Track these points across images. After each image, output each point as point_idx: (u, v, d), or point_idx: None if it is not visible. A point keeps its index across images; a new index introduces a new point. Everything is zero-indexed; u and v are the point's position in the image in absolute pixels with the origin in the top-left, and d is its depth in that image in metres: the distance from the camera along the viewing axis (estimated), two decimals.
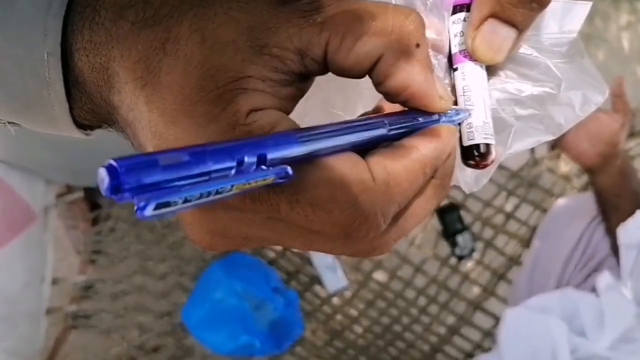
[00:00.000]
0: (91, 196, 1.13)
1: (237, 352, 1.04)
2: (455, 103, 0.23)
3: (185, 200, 0.14)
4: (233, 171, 0.15)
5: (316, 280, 1.13)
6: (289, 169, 0.16)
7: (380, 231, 0.19)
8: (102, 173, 0.13)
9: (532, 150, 1.13)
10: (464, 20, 0.22)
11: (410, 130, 0.21)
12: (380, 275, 1.15)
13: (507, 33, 0.21)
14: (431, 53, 0.23)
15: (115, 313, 1.12)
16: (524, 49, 0.23)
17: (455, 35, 0.22)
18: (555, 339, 0.74)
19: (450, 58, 0.23)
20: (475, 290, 1.14)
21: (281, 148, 0.16)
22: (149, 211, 0.13)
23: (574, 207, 0.97)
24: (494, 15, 0.21)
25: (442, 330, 1.12)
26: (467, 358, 1.10)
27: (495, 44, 0.21)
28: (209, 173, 0.14)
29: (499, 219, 1.14)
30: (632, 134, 1.04)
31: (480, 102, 0.22)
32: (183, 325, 1.07)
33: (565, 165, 1.15)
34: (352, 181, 0.18)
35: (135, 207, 0.13)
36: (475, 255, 1.13)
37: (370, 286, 1.14)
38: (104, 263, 1.15)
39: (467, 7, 0.22)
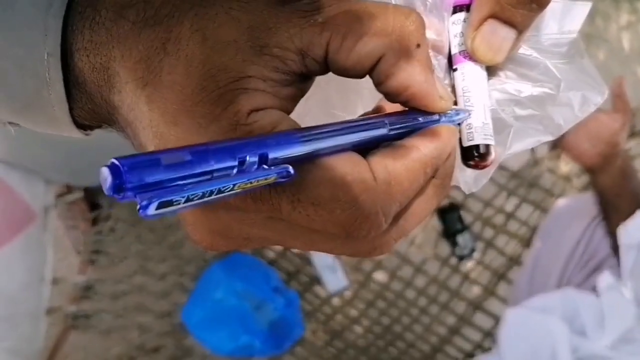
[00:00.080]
0: (91, 196, 1.13)
1: (237, 352, 1.04)
2: (455, 103, 0.23)
3: (188, 199, 0.14)
4: (235, 170, 0.15)
5: (316, 280, 1.13)
6: (291, 169, 0.16)
7: (382, 231, 0.19)
8: (105, 172, 0.13)
9: (533, 150, 1.13)
10: (464, 20, 0.22)
11: (410, 130, 0.21)
12: (380, 276, 1.15)
13: (506, 33, 0.21)
14: (431, 53, 0.23)
15: (115, 313, 1.12)
16: (524, 50, 0.23)
17: (455, 36, 0.22)
18: (555, 339, 0.74)
19: (450, 58, 0.23)
20: (476, 290, 1.14)
21: (282, 147, 0.16)
22: (152, 210, 0.13)
23: (574, 207, 0.97)
24: (493, 16, 0.21)
25: (442, 330, 1.12)
26: (468, 358, 1.10)
27: (494, 44, 0.21)
28: (211, 172, 0.15)
29: (499, 219, 1.14)
30: (632, 134, 1.04)
31: (480, 102, 0.22)
32: (183, 326, 1.07)
33: (566, 166, 1.15)
34: (354, 180, 0.18)
35: (138, 206, 0.13)
36: (476, 255, 1.13)
37: (370, 286, 1.14)
38: (104, 263, 1.15)
39: (466, 8, 0.22)
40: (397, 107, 0.22)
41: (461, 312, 1.13)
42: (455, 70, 0.23)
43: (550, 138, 0.24)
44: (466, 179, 0.25)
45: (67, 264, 1.08)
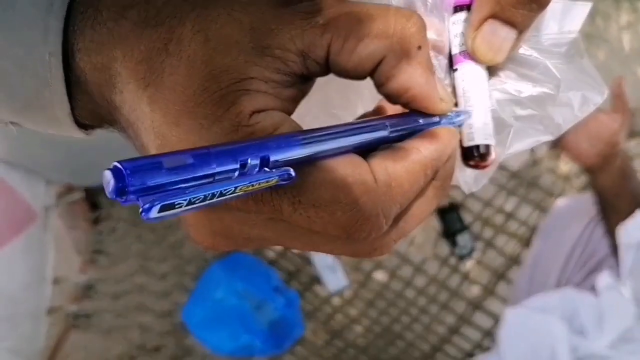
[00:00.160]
0: (92, 196, 1.13)
1: (237, 352, 1.04)
2: (456, 104, 0.23)
3: (190, 202, 0.14)
4: (236, 173, 0.15)
5: (316, 280, 1.13)
6: (292, 171, 0.16)
7: (382, 232, 0.19)
8: (108, 175, 0.13)
9: (532, 150, 1.13)
10: (464, 21, 0.22)
11: (411, 132, 0.21)
12: (380, 275, 1.15)
13: (507, 34, 0.21)
14: (431, 54, 0.23)
15: (116, 313, 1.12)
16: (524, 50, 0.23)
17: (456, 36, 0.22)
18: (555, 338, 0.75)
19: (450, 58, 0.23)
20: (475, 290, 1.14)
21: (284, 150, 0.16)
22: (154, 213, 0.13)
23: (573, 207, 0.97)
24: (494, 16, 0.21)
25: (442, 329, 1.13)
26: (467, 357, 1.10)
27: (495, 44, 0.21)
28: (212, 175, 0.15)
29: (499, 218, 1.15)
30: (631, 134, 1.04)
31: (480, 102, 0.22)
32: (183, 325, 1.07)
33: (565, 165, 1.15)
34: (354, 182, 0.18)
35: (140, 209, 0.13)
36: (475, 254, 1.13)
37: (370, 286, 1.14)
38: (104, 263, 1.15)
39: (467, 8, 0.22)
40: (397, 108, 0.22)
41: (461, 312, 1.13)
42: (455, 70, 0.23)
43: (550, 138, 0.24)
44: (466, 178, 0.25)
45: (68, 264, 1.08)
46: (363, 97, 0.25)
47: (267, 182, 0.16)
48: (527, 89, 0.23)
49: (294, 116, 0.20)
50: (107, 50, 0.18)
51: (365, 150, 0.19)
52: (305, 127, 0.19)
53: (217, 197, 0.15)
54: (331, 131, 0.18)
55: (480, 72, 0.22)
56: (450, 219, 1.12)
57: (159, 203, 0.13)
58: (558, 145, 0.91)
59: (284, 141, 0.17)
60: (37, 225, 0.97)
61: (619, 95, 0.85)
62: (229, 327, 1.03)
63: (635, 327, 0.73)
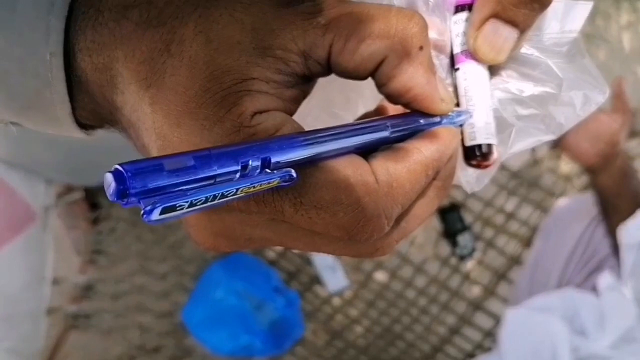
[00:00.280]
0: (91, 196, 1.13)
1: (237, 352, 1.04)
2: (457, 103, 0.23)
3: (191, 204, 0.14)
4: (238, 175, 0.15)
5: (316, 280, 1.13)
6: (293, 172, 0.16)
7: (384, 233, 0.19)
8: (109, 178, 0.13)
9: (533, 150, 1.13)
10: (466, 20, 0.22)
11: (412, 132, 0.21)
12: (380, 275, 1.15)
13: (508, 33, 0.21)
14: (433, 53, 0.23)
15: (116, 313, 1.12)
16: (525, 49, 0.23)
17: (457, 36, 0.22)
18: (556, 338, 0.74)
19: (452, 58, 0.23)
20: (476, 290, 1.14)
21: (285, 151, 0.16)
22: (156, 215, 0.13)
23: (574, 207, 0.97)
24: (495, 16, 0.21)
25: (442, 330, 1.13)
26: (468, 358, 1.10)
27: (496, 44, 0.21)
28: (214, 177, 0.15)
29: (499, 218, 1.15)
30: (632, 134, 1.04)
31: (482, 102, 0.22)
32: (183, 325, 1.07)
33: (566, 165, 1.15)
34: (356, 183, 0.18)
35: (142, 212, 0.13)
36: (476, 255, 1.13)
37: (370, 286, 1.14)
38: (104, 263, 1.15)
39: (468, 7, 0.22)
40: (398, 108, 0.22)
41: (461, 312, 1.13)
42: (457, 69, 0.23)
43: (552, 137, 0.24)
44: (468, 178, 0.25)
45: (68, 264, 1.08)
46: (364, 96, 0.25)
47: (269, 183, 0.16)
48: (529, 89, 0.23)
49: (295, 116, 0.20)
50: (109, 50, 0.18)
51: (367, 151, 0.19)
52: (306, 127, 0.19)
53: (219, 199, 0.15)
54: (332, 132, 0.18)
55: (482, 71, 0.22)
56: (451, 219, 1.12)
57: (161, 205, 0.13)
58: (559, 145, 0.91)
59: (285, 142, 0.17)
60: (36, 225, 0.97)
61: (619, 95, 0.85)
62: (229, 327, 1.03)
63: (636, 327, 0.73)
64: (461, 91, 0.23)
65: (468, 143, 0.23)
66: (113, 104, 0.19)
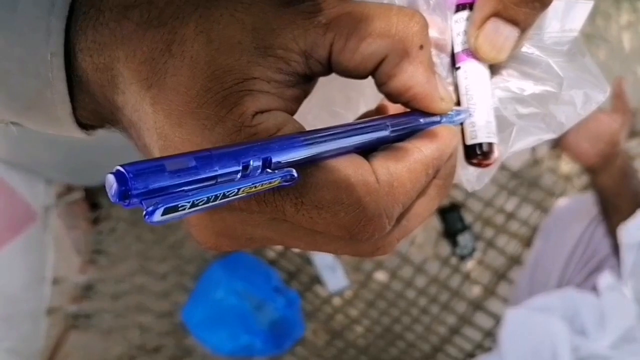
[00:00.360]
0: (92, 196, 1.13)
1: (237, 352, 1.04)
2: (458, 102, 0.23)
3: (193, 205, 0.14)
4: (239, 175, 0.15)
5: (317, 280, 1.13)
6: (294, 172, 0.16)
7: (385, 232, 0.19)
8: (111, 179, 0.13)
9: (533, 150, 1.13)
10: (467, 19, 0.22)
11: (412, 131, 0.21)
12: (380, 275, 1.15)
13: (509, 32, 0.21)
14: (434, 52, 0.23)
15: (116, 313, 1.12)
16: (526, 48, 0.23)
17: (458, 34, 0.22)
18: (556, 338, 0.74)
19: (452, 57, 0.23)
20: (476, 290, 1.14)
21: (286, 151, 0.16)
22: (158, 216, 0.13)
23: (574, 207, 0.97)
24: (496, 15, 0.21)
25: (442, 330, 1.13)
26: (468, 358, 1.10)
27: (497, 43, 0.21)
28: (215, 177, 0.15)
29: (499, 218, 1.15)
30: (632, 134, 1.04)
31: (482, 101, 0.22)
32: (183, 325, 1.07)
33: (566, 165, 1.15)
34: (356, 183, 0.18)
35: (144, 213, 0.13)
36: (476, 254, 1.13)
37: (370, 286, 1.14)
38: (104, 263, 1.15)
39: (469, 6, 0.22)
40: (398, 107, 0.22)
41: (462, 312, 1.13)
42: (458, 68, 0.23)
43: (552, 136, 0.24)
44: (469, 177, 0.25)
45: (68, 264, 1.08)
46: (365, 95, 0.25)
47: (270, 183, 0.16)
48: (530, 87, 0.23)
49: (295, 115, 0.20)
50: (109, 50, 0.18)
51: (367, 150, 0.19)
52: (307, 126, 0.19)
53: (220, 199, 0.15)
54: (333, 131, 0.18)
55: (483, 70, 0.22)
56: (451, 219, 1.12)
57: (163, 206, 0.13)
58: (559, 145, 0.91)
59: (286, 142, 0.17)
60: (36, 225, 0.97)
61: (619, 95, 0.85)
62: (229, 327, 1.03)
63: (636, 327, 0.73)
64: (462, 90, 0.23)
65: (469, 142, 0.23)
66: (114, 104, 0.19)
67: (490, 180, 0.25)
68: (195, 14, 0.18)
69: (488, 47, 0.22)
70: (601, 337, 0.74)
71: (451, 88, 0.23)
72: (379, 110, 0.23)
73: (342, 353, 1.12)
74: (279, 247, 1.14)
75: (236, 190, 0.15)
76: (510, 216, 1.14)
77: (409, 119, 0.21)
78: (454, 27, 0.23)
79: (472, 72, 0.22)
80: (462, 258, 1.13)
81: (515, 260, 1.12)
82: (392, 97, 0.21)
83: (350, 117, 0.26)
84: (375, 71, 0.20)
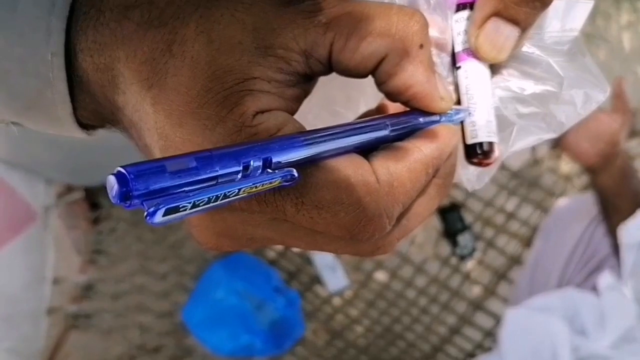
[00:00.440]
0: (92, 196, 1.13)
1: (237, 352, 1.04)
2: (458, 101, 0.23)
3: (194, 205, 0.14)
4: (239, 175, 0.15)
5: (317, 280, 1.13)
6: (295, 172, 0.16)
7: (386, 232, 0.19)
8: (112, 180, 0.13)
9: (533, 150, 1.13)
10: (467, 18, 0.22)
11: (411, 131, 0.21)
12: (381, 275, 1.15)
13: (510, 32, 0.21)
14: (434, 51, 0.23)
15: (116, 313, 1.12)
16: (526, 48, 0.23)
17: (459, 34, 0.22)
18: (556, 338, 0.74)
19: (453, 56, 0.23)
20: (476, 290, 1.14)
21: (286, 151, 0.16)
22: (159, 217, 0.13)
23: (574, 207, 0.97)
24: (497, 14, 0.21)
25: (443, 330, 1.13)
26: (468, 358, 1.10)
27: (498, 42, 0.21)
28: (216, 178, 0.15)
29: (499, 218, 1.15)
30: (632, 134, 1.04)
31: (483, 100, 0.22)
32: (184, 325, 1.07)
33: (566, 165, 1.15)
34: (357, 183, 0.18)
35: (145, 214, 0.13)
36: (476, 254, 1.13)
37: (371, 286, 1.14)
38: (104, 263, 1.15)
39: (470, 6, 0.22)
40: (399, 107, 0.22)
41: (462, 312, 1.13)
42: (458, 68, 0.23)
43: (552, 136, 0.24)
44: (469, 176, 0.25)
45: (68, 264, 1.08)
46: (366, 94, 0.25)
47: (270, 183, 0.16)
48: (530, 87, 0.23)
49: (296, 114, 0.20)
50: (110, 50, 0.18)
51: (367, 150, 0.19)
52: (307, 125, 0.19)
53: (221, 200, 0.15)
54: (332, 131, 0.18)
55: (483, 69, 0.22)
56: (451, 218, 1.12)
57: (164, 207, 0.13)
58: (559, 145, 0.91)
59: (286, 142, 0.17)
60: (37, 225, 0.97)
61: (619, 95, 0.85)
62: (229, 327, 1.03)
63: (637, 327, 0.73)
64: (462, 89, 0.23)
65: (469, 141, 0.23)
66: (114, 104, 0.19)
67: (491, 180, 0.25)
68: (196, 14, 0.18)
69: (488, 47, 0.22)
70: (601, 337, 0.74)
71: (452, 87, 0.23)
72: (380, 109, 0.23)
73: (342, 353, 1.12)
74: (279, 247, 1.14)
75: (237, 190, 0.15)
76: (511, 216, 1.14)
77: (409, 119, 0.21)
78: (454, 27, 0.23)
79: (472, 72, 0.22)
80: (462, 258, 1.13)
81: (515, 260, 1.12)
82: (392, 96, 0.21)
83: (350, 117, 0.26)
84: (376, 70, 0.20)
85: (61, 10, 0.18)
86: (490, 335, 1.09)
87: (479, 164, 0.23)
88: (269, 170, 0.16)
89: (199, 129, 0.17)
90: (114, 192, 0.13)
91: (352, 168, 0.18)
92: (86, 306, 1.12)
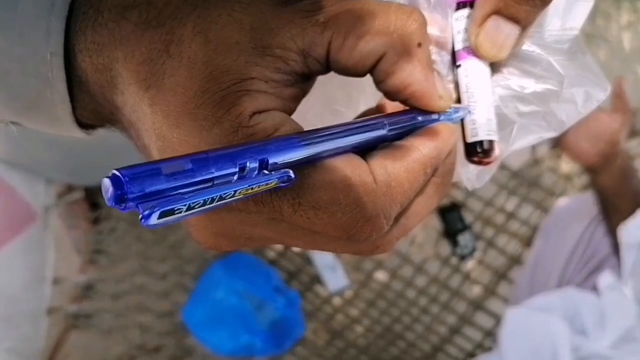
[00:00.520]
0: (92, 196, 1.13)
1: (237, 352, 1.04)
2: (458, 100, 0.23)
3: (189, 207, 0.14)
4: (236, 177, 0.15)
5: (317, 279, 1.13)
6: (291, 173, 0.16)
7: (383, 232, 0.19)
8: (107, 183, 0.13)
9: (533, 149, 1.13)
10: (467, 17, 0.22)
11: (410, 130, 0.21)
12: (381, 275, 1.15)
13: (510, 30, 0.21)
14: (434, 50, 0.23)
15: (116, 313, 1.12)
16: (527, 46, 0.23)
17: (459, 32, 0.22)
18: (556, 338, 0.74)
19: (453, 55, 0.23)
20: (476, 290, 1.14)
21: (283, 152, 0.16)
22: (154, 220, 0.13)
23: (574, 206, 0.97)
24: (497, 12, 0.21)
25: (443, 329, 1.12)
26: (468, 358, 1.10)
27: (498, 40, 0.21)
28: (211, 180, 0.15)
29: (500, 218, 1.14)
30: (632, 134, 1.04)
31: (483, 98, 0.22)
32: (184, 325, 1.07)
33: (566, 165, 1.15)
34: (354, 183, 0.18)
35: (140, 216, 0.13)
36: (476, 254, 1.13)
37: (371, 286, 1.14)
38: (104, 263, 1.15)
39: (470, 4, 0.22)
40: (398, 106, 0.22)
41: (462, 312, 1.13)
42: (458, 66, 0.23)
43: (553, 134, 0.24)
44: (469, 175, 0.25)
45: (68, 264, 1.08)
46: (365, 93, 0.25)
47: (267, 184, 0.16)
48: (530, 85, 0.23)
49: (296, 113, 0.20)
50: (108, 51, 0.18)
51: (365, 149, 0.19)
52: (307, 124, 0.19)
53: (217, 201, 0.15)
54: (330, 131, 0.18)
55: (484, 68, 0.22)
56: (451, 218, 1.12)
57: (159, 210, 0.13)
58: (559, 144, 0.91)
59: (283, 143, 0.16)
60: (36, 225, 0.97)
61: (619, 94, 0.85)
62: (229, 327, 1.03)
63: (637, 326, 0.73)
64: (462, 88, 0.23)
65: (469, 139, 0.23)
66: (113, 104, 0.19)
67: (490, 180, 0.25)
68: (194, 14, 0.18)
69: (489, 45, 0.21)
70: (601, 336, 0.74)
71: (452, 86, 0.23)
72: (379, 108, 0.23)
73: (342, 353, 1.12)
74: (279, 247, 1.14)
75: (233, 192, 0.15)
76: (511, 216, 1.14)
77: (407, 117, 0.21)
78: (454, 25, 0.23)
79: (472, 70, 0.22)
80: (463, 258, 1.13)
81: (515, 260, 1.12)
82: (391, 95, 0.21)
83: (350, 115, 0.26)
84: (374, 69, 0.20)
85: (60, 10, 0.18)
86: (491, 335, 1.09)
87: (479, 163, 0.23)
88: (266, 172, 0.16)
89: (195, 130, 0.17)
90: (109, 195, 0.13)
91: (349, 168, 0.18)
92: (86, 306, 1.12)
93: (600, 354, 0.73)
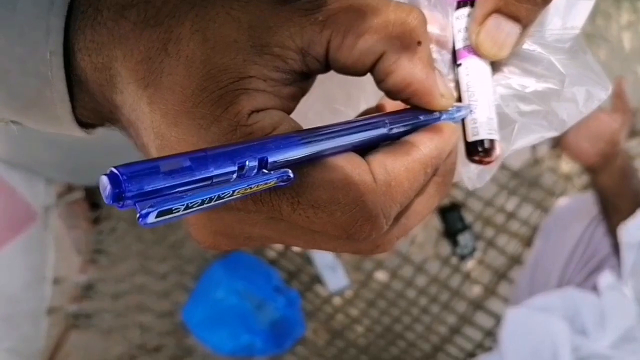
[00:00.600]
0: (92, 196, 1.13)
1: (238, 352, 1.04)
2: (459, 99, 0.23)
3: (187, 207, 0.14)
4: (234, 175, 0.15)
5: (317, 279, 1.13)
6: (290, 173, 0.16)
7: (383, 232, 0.19)
8: (104, 181, 0.13)
9: (533, 149, 1.13)
10: (468, 15, 0.22)
11: (411, 129, 0.21)
12: (381, 275, 1.15)
13: (511, 29, 0.21)
14: (435, 49, 0.23)
15: (116, 313, 1.12)
16: (528, 45, 0.23)
17: (459, 31, 0.22)
18: (556, 338, 0.74)
19: (454, 53, 0.23)
20: (477, 290, 1.14)
21: (282, 151, 0.16)
22: (151, 218, 0.13)
23: (575, 206, 0.97)
24: (498, 11, 0.21)
25: (443, 329, 1.12)
26: (469, 357, 1.10)
27: (499, 39, 0.21)
28: (210, 178, 0.14)
29: (500, 218, 1.14)
30: (632, 134, 1.04)
31: (484, 97, 0.22)
32: (184, 325, 1.07)
33: (567, 165, 1.15)
34: (354, 182, 0.18)
35: (138, 215, 0.13)
36: (477, 254, 1.13)
37: (371, 286, 1.14)
38: (105, 263, 1.15)
39: (470, 3, 0.22)
40: (399, 105, 0.22)
41: (462, 312, 1.13)
42: (459, 65, 0.23)
43: (554, 133, 0.24)
44: (470, 174, 0.25)
45: (68, 264, 1.08)
46: (366, 92, 0.25)
47: (266, 184, 0.16)
48: (532, 85, 0.23)
49: (296, 111, 0.20)
50: (107, 50, 0.18)
51: (365, 148, 0.19)
52: (307, 123, 0.18)
53: (215, 201, 0.15)
54: (330, 130, 0.18)
55: (484, 67, 0.22)
56: (452, 218, 1.12)
57: (156, 209, 0.13)
58: (559, 144, 0.91)
59: (282, 142, 0.16)
60: (37, 225, 0.97)
61: (619, 94, 0.85)
62: (229, 326, 1.03)
63: (637, 326, 0.73)
64: (463, 87, 0.23)
65: (470, 139, 0.23)
66: (113, 103, 0.19)
67: (491, 180, 0.25)
68: (192, 12, 0.18)
69: (489, 44, 0.21)
70: (601, 336, 0.74)
71: (452, 85, 0.23)
72: (379, 108, 0.23)
73: (342, 352, 1.12)
74: (279, 247, 1.14)
75: (231, 191, 0.15)
76: (511, 216, 1.14)
77: (408, 116, 0.21)
78: (455, 24, 0.22)
79: (473, 69, 0.22)
80: (463, 258, 1.13)
81: (515, 260, 1.12)
82: (392, 94, 0.21)
83: (351, 114, 0.26)
84: (374, 68, 0.20)
85: (60, 9, 0.18)
86: (491, 334, 1.09)
87: (480, 162, 0.23)
88: (265, 171, 0.16)
89: (194, 129, 0.17)
90: (107, 193, 0.13)
91: (349, 167, 0.18)
92: (86, 306, 1.12)
93: (600, 353, 0.73)
